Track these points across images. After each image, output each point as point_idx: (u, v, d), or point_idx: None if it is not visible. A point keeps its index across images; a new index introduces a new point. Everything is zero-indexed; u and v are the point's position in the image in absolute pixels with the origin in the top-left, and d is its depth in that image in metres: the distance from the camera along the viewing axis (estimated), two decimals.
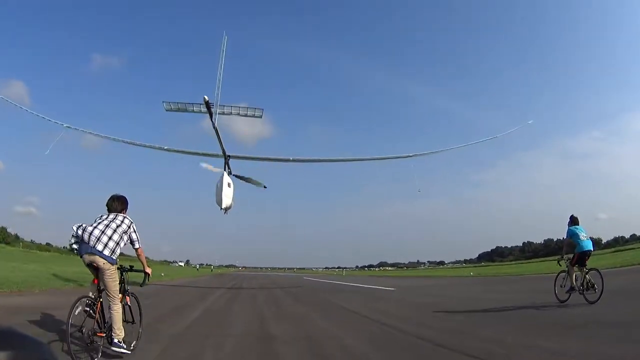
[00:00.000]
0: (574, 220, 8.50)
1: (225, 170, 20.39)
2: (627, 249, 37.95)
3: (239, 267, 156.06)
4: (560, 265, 8.53)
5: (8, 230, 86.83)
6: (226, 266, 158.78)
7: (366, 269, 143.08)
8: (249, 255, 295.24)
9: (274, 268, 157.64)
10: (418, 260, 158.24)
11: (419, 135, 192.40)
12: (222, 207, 19.60)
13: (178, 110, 18.66)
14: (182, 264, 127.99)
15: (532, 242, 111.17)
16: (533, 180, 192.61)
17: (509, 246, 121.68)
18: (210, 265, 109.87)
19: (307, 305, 11.26)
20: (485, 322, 6.99)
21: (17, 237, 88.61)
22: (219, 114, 17.69)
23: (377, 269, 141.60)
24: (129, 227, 4.47)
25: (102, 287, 4.25)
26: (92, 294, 4.22)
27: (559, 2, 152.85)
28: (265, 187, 22.39)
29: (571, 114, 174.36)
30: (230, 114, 18.40)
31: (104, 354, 4.16)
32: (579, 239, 8.17)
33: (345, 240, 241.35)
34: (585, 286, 7.78)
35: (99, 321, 4.13)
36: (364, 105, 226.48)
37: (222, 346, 5.20)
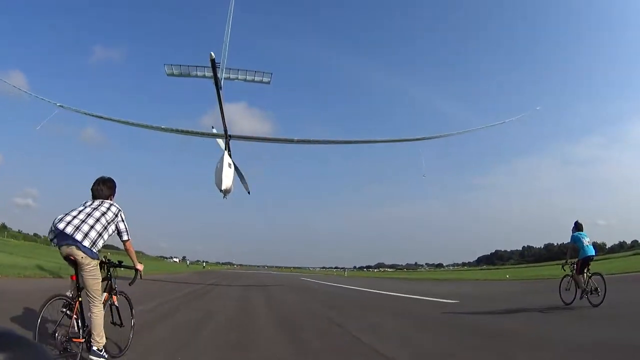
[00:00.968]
0: (578, 227, 8.83)
1: (226, 150, 19.58)
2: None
3: (235, 265, 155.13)
4: (565, 270, 8.85)
5: None
6: (223, 264, 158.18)
7: (365, 269, 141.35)
8: (247, 254, 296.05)
9: (271, 267, 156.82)
10: (416, 262, 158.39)
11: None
12: (222, 189, 18.71)
13: (180, 75, 17.38)
14: (177, 260, 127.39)
15: (532, 247, 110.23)
16: (532, 185, 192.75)
17: (509, 250, 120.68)
18: (204, 262, 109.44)
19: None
20: None
21: (4, 226, 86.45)
22: (224, 79, 16.44)
23: (375, 270, 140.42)
24: (116, 216, 3.92)
25: (81, 285, 3.67)
26: (71, 292, 3.72)
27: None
28: (249, 192, 22.59)
29: (572, 119, 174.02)
30: (237, 79, 17.14)
31: None
32: (583, 244, 8.48)
33: (342, 240, 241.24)
34: (589, 290, 8.03)
35: (77, 325, 3.61)
36: (367, 105, 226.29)
37: None
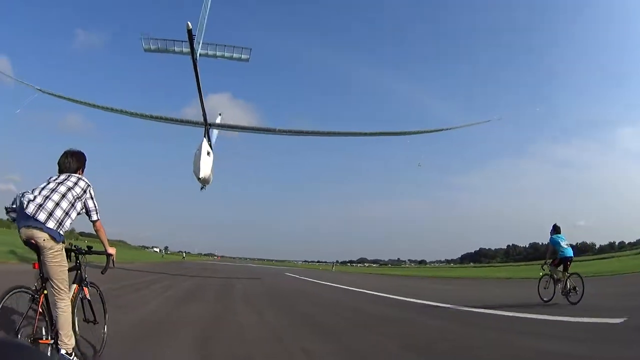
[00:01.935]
0: (556, 229, 9.35)
1: (204, 137, 18.68)
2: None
3: (216, 257, 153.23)
4: (544, 270, 9.33)
5: None
6: (205, 255, 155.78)
7: (348, 264, 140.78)
8: (231, 246, 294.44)
9: (253, 259, 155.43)
10: (399, 258, 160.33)
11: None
12: (200, 177, 17.91)
13: (158, 50, 16.52)
14: (157, 250, 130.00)
15: (517, 245, 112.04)
16: (515, 185, 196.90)
17: (493, 248, 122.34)
18: (184, 253, 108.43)
19: None
20: None
21: None
22: (201, 55, 15.39)
23: (358, 265, 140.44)
24: (85, 192, 3.36)
25: (45, 275, 3.10)
26: (35, 285, 3.09)
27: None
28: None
29: (557, 121, 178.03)
30: (215, 55, 16.03)
31: None
32: (560, 246, 9.01)
33: (324, 235, 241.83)
34: (569, 289, 8.52)
35: (44, 323, 3.06)
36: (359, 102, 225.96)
37: None
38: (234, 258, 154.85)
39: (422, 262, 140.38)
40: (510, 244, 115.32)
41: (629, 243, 67.54)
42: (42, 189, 3.21)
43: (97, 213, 3.49)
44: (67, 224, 3.20)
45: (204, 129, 18.52)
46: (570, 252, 8.95)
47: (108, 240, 3.67)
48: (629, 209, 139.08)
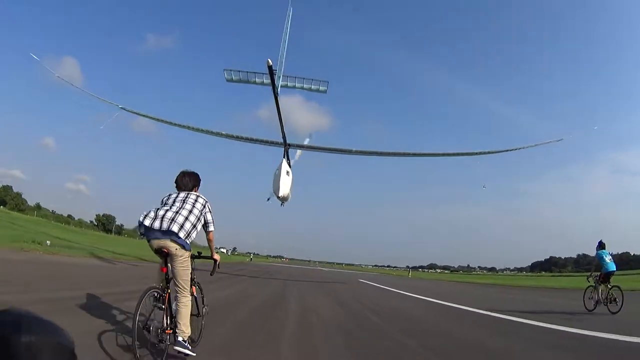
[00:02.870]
0: (601, 245, 10.08)
1: (284, 157, 19.38)
2: None
3: (284, 259, 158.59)
4: (589, 282, 10.06)
5: (23, 196, 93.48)
6: (273, 257, 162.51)
7: (419, 269, 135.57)
8: (300, 249, 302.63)
9: (322, 262, 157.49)
10: (469, 265, 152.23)
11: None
12: (279, 196, 18.81)
13: (240, 81, 17.50)
14: (224, 250, 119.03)
15: (588, 255, 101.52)
16: (585, 194, 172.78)
17: (563, 257, 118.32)
18: (250, 254, 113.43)
19: None
20: None
21: (39, 206, 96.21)
22: (281, 86, 16.01)
23: (428, 270, 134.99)
24: (204, 207, 3.95)
25: (170, 277, 3.73)
26: (160, 284, 3.77)
27: None
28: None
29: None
30: (294, 86, 16.84)
31: (167, 355, 3.55)
32: (605, 261, 9.72)
33: (395, 239, 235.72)
34: (609, 300, 9.26)
35: (167, 315, 3.65)
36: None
37: None
38: (303, 261, 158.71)
39: (492, 269, 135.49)
40: (581, 253, 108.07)
41: None
42: (171, 205, 3.79)
43: (213, 225, 4.04)
44: (194, 235, 3.78)
45: (283, 149, 19.20)
46: (613, 267, 9.69)
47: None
48: None
